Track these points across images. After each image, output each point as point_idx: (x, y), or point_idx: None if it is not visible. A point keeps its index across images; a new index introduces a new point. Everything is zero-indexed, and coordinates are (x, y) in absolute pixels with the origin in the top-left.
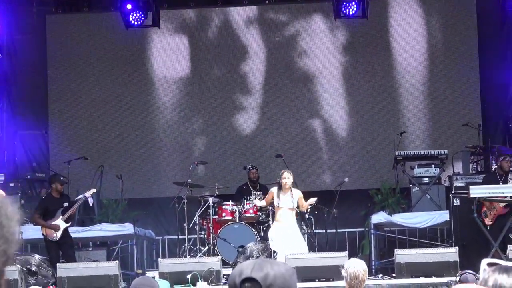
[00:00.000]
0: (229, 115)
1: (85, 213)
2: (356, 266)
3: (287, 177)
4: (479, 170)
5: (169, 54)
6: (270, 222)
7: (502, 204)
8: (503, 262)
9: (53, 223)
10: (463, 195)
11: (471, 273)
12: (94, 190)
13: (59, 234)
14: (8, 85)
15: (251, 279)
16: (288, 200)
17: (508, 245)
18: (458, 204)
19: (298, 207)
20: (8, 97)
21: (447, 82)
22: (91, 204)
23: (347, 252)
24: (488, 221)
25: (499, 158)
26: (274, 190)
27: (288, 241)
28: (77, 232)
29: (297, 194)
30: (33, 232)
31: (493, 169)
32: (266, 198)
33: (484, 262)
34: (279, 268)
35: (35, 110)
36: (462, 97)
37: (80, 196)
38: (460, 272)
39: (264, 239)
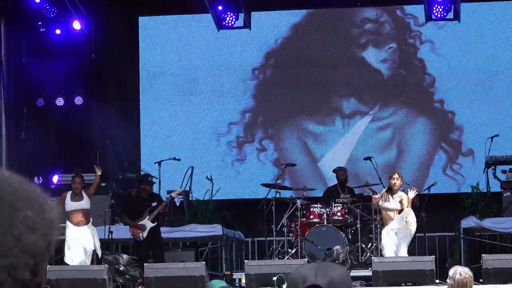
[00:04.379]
0: (318, 119)
1: (175, 214)
2: (463, 273)
3: (397, 178)
4: None
5: (260, 55)
6: (358, 225)
7: None
8: None
9: (139, 222)
10: None
11: None
12: (181, 190)
13: (145, 234)
14: (100, 85)
15: (316, 286)
16: (395, 203)
17: None
18: None
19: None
20: (100, 97)
21: None
22: (177, 204)
23: (433, 256)
24: None
25: None
26: (383, 192)
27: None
28: (166, 232)
29: (403, 196)
30: (123, 232)
31: None
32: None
33: None
34: (339, 272)
35: (126, 110)
36: None
37: (166, 196)
38: None
39: (352, 242)
